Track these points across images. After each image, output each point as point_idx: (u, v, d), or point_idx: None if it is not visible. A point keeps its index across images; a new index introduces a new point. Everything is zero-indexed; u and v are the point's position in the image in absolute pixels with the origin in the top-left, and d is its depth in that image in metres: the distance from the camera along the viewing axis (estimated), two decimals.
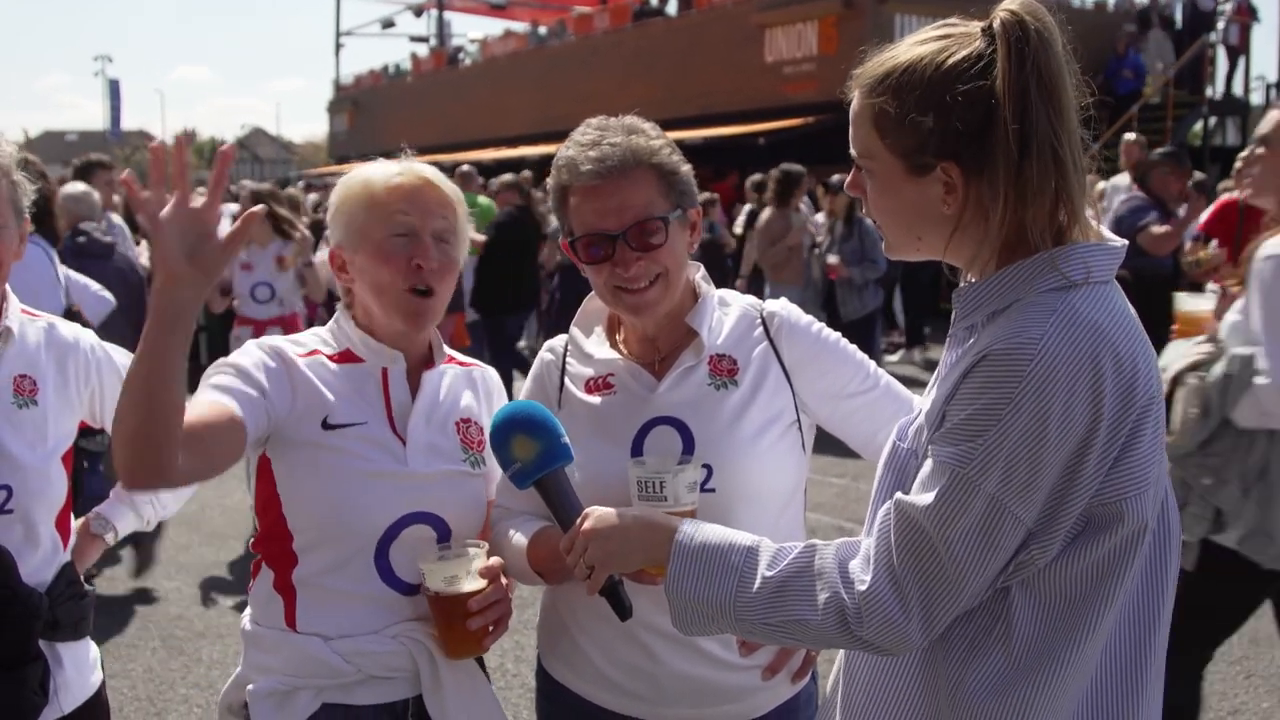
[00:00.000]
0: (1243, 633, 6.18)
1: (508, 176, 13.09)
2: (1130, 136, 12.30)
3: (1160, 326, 3.97)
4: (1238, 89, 24.25)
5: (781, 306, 2.55)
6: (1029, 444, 1.72)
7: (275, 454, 2.42)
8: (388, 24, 46.99)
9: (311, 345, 2.52)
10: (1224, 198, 9.98)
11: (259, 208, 2.27)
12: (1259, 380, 3.52)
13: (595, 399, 2.51)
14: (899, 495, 1.85)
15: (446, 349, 2.65)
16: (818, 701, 2.64)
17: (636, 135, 2.42)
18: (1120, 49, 21.32)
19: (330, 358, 2.50)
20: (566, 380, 2.57)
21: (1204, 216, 9.08)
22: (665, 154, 2.43)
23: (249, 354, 2.42)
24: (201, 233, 2.01)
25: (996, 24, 1.80)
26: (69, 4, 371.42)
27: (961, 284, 1.94)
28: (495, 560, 2.38)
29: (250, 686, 2.44)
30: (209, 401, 2.26)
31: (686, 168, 2.47)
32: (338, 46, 48.76)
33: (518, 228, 11.86)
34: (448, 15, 45.95)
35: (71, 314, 5.96)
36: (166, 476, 2.08)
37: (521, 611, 2.65)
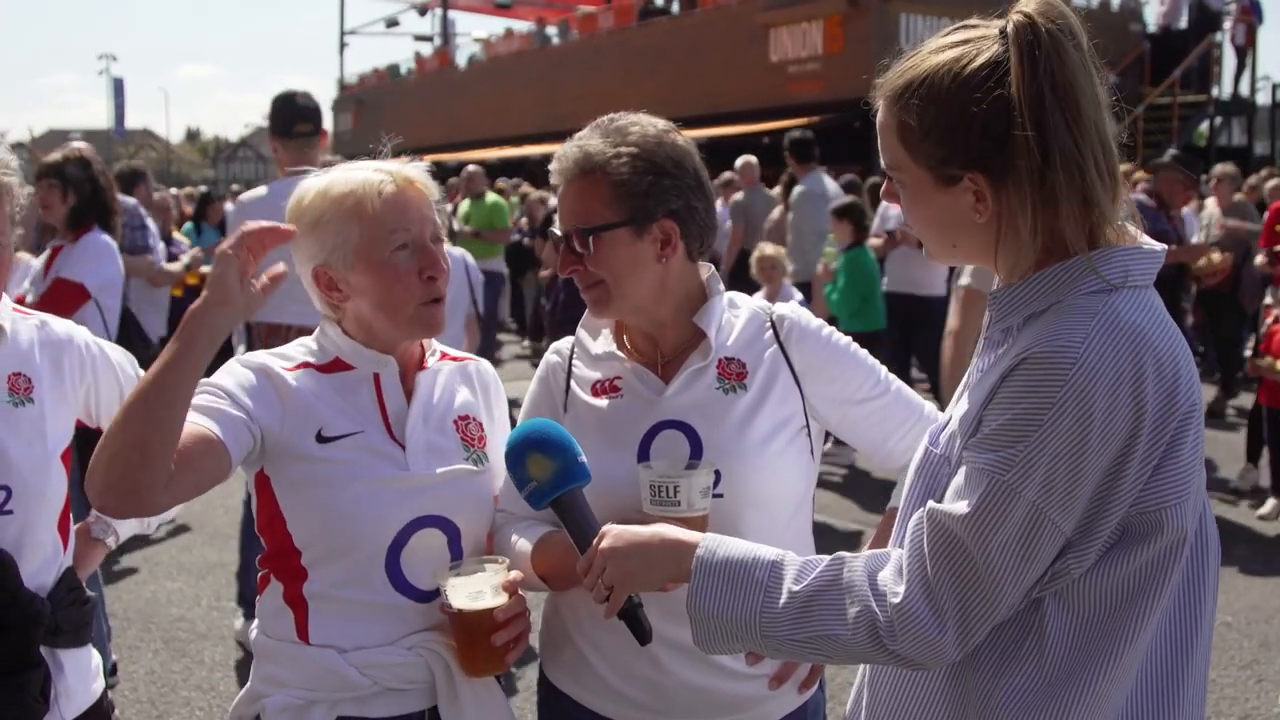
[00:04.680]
0: (1253, 636, 6.19)
1: None
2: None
3: None
4: (1244, 89, 24.24)
5: (792, 310, 2.52)
6: (1071, 450, 1.68)
7: (272, 471, 2.38)
8: (392, 23, 46.96)
9: (299, 358, 2.47)
10: (1276, 203, 10.03)
11: (281, 269, 2.28)
12: None
13: (601, 402, 2.48)
14: (931, 504, 1.81)
15: (439, 345, 2.61)
16: (825, 712, 2.61)
17: (602, 138, 2.40)
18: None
19: (319, 368, 2.46)
20: (572, 383, 2.54)
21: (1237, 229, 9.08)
22: (615, 164, 2.36)
23: (233, 373, 2.39)
24: (244, 275, 2.18)
25: (1009, 28, 1.77)
26: (74, 3, 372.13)
27: (996, 286, 1.91)
28: (515, 574, 2.34)
29: (265, 701, 2.40)
30: (189, 431, 2.22)
31: (647, 178, 2.37)
32: (342, 45, 48.73)
33: None
34: (452, 14, 45.94)
35: (127, 314, 6.08)
36: (150, 498, 2.11)
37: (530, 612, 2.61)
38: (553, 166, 2.42)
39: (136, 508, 2.15)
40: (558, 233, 2.44)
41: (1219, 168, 12.60)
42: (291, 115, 5.78)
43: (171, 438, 2.09)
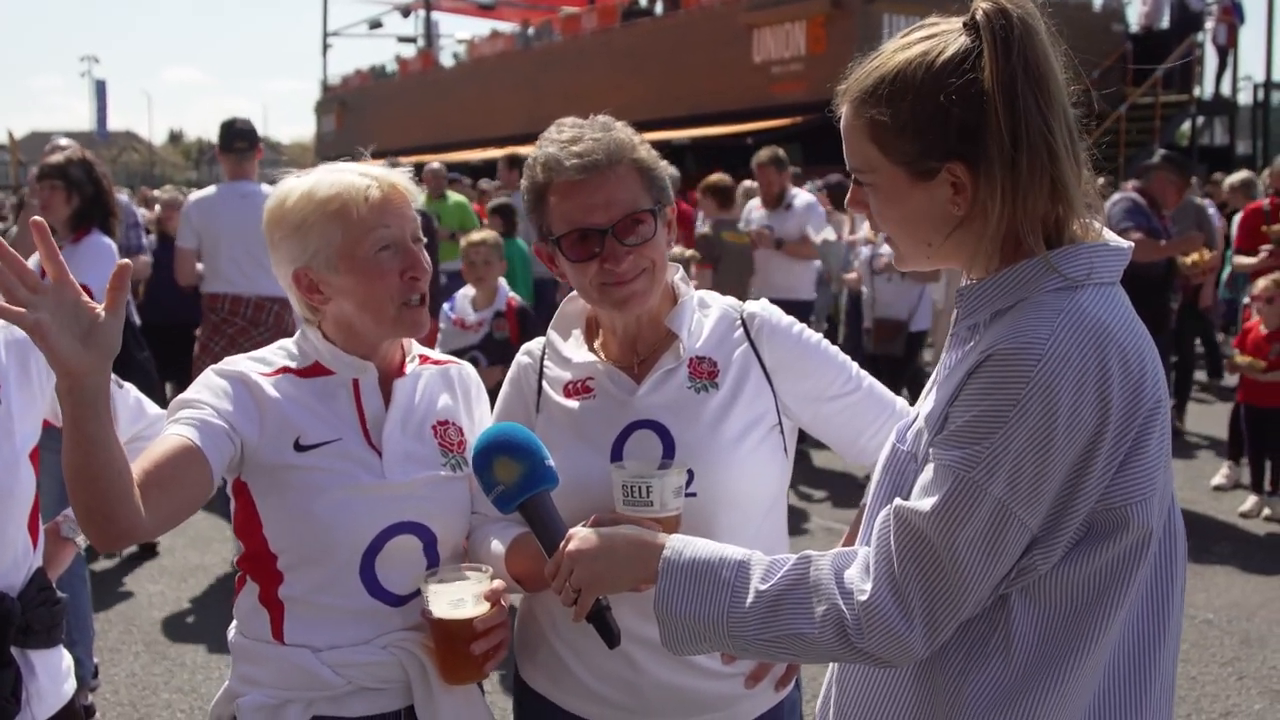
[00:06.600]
0: (1234, 634, 6.20)
1: None
2: None
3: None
4: (1226, 89, 24.34)
5: (762, 308, 2.51)
6: (1036, 446, 1.68)
7: (250, 478, 2.38)
8: (375, 24, 46.92)
9: (278, 362, 2.47)
10: (1249, 206, 10.06)
11: (124, 262, 2.13)
12: None
13: (574, 403, 2.46)
14: (898, 501, 1.80)
15: (420, 348, 2.60)
16: (801, 710, 2.61)
17: (615, 131, 2.39)
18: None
19: (298, 373, 2.45)
20: (544, 384, 2.53)
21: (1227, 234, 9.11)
22: (644, 151, 2.41)
23: (209, 384, 2.38)
24: (82, 313, 2.01)
25: (979, 16, 1.77)
26: (61, 6, 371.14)
27: (964, 283, 1.91)
28: (498, 583, 2.33)
29: (239, 700, 2.40)
30: (168, 445, 2.22)
31: (664, 164, 2.45)
32: (325, 47, 48.65)
33: None
34: (435, 15, 45.92)
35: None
36: (135, 534, 2.11)
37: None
38: (572, 162, 2.31)
39: (130, 541, 2.17)
40: (598, 228, 2.31)
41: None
42: (230, 135, 7.59)
43: (123, 485, 2.05)
